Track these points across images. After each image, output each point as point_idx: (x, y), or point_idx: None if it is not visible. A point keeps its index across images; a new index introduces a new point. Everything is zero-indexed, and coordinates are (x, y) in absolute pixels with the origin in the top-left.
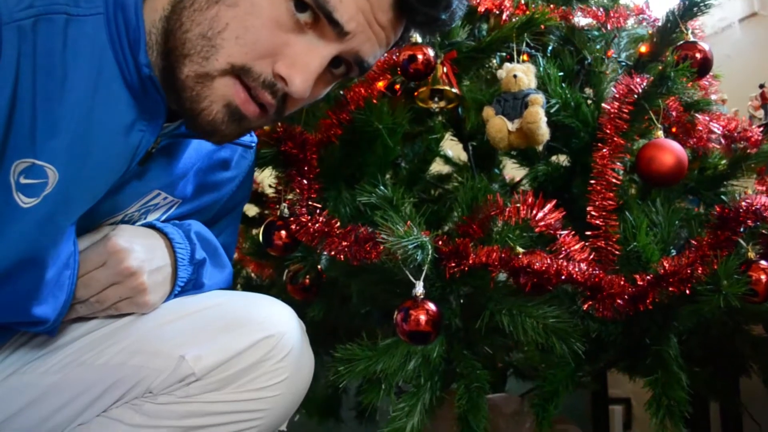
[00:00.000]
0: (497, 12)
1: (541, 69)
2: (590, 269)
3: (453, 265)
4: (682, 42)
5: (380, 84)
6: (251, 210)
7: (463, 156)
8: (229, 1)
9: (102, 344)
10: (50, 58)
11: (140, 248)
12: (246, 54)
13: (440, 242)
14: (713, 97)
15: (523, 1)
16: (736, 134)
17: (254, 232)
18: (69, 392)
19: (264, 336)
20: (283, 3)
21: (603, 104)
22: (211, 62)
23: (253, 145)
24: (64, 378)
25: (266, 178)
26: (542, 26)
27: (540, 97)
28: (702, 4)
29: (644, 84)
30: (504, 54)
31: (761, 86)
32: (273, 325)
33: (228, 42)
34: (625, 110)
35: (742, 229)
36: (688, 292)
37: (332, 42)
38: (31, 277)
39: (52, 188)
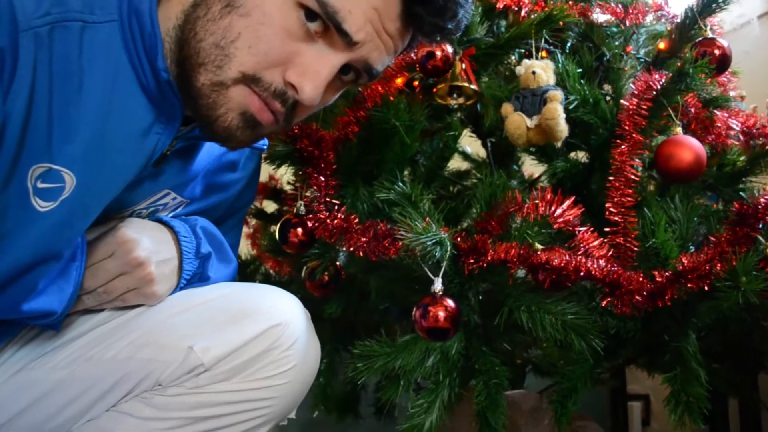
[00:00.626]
0: (516, 8)
1: (560, 65)
2: (609, 266)
3: (471, 261)
4: (700, 38)
5: (398, 81)
6: (270, 206)
7: (482, 152)
8: (241, 11)
9: (109, 338)
10: (66, 65)
11: (148, 240)
12: (258, 63)
13: (459, 239)
14: (732, 93)
15: None
16: (754, 131)
17: (272, 228)
18: (77, 387)
19: (271, 325)
20: (293, 12)
21: (622, 101)
22: (225, 71)
23: (264, 147)
24: (73, 373)
25: (284, 175)
26: (561, 23)
27: (559, 94)
28: (721, 1)
29: (663, 80)
30: (523, 50)
31: None
32: (279, 315)
33: (241, 51)
34: (644, 107)
35: (760, 226)
36: (706, 288)
37: (342, 51)
38: (42, 275)
39: (70, 192)
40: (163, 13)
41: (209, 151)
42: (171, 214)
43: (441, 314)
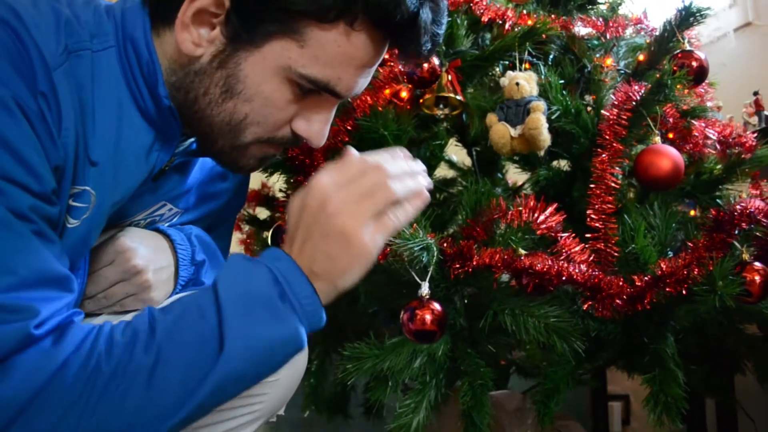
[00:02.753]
0: (500, 22)
1: (543, 77)
2: (590, 270)
3: (458, 266)
4: (678, 51)
5: (386, 92)
6: (263, 213)
7: (467, 161)
8: (243, 97)
9: None
10: (82, 92)
11: (145, 248)
12: (269, 131)
13: (445, 244)
14: (709, 104)
15: (525, 12)
16: (731, 140)
17: (265, 234)
18: None
19: None
20: (289, 87)
21: (602, 111)
22: (240, 139)
23: None
24: None
25: (277, 183)
26: (544, 35)
27: (541, 104)
28: (698, 14)
29: (642, 91)
30: (507, 62)
31: (755, 93)
32: None
33: (251, 125)
34: (624, 117)
35: (736, 232)
36: (684, 292)
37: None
38: None
39: (91, 211)
40: (161, 46)
41: (202, 165)
42: (167, 224)
43: (428, 317)
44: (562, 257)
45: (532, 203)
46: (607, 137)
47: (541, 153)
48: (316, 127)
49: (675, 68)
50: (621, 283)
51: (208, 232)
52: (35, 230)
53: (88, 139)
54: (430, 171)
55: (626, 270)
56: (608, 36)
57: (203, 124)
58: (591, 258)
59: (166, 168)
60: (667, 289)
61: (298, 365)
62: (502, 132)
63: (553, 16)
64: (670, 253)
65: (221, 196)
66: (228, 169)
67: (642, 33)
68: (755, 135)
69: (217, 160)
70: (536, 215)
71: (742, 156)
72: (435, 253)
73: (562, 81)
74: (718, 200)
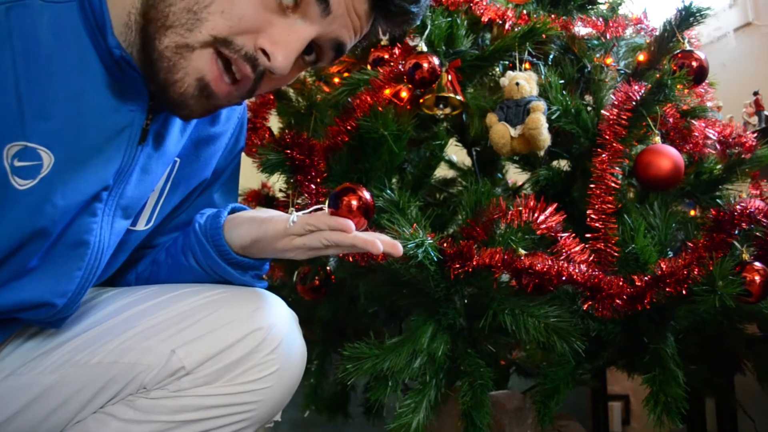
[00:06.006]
0: (500, 22)
1: (543, 77)
2: (590, 270)
3: (457, 266)
4: (678, 51)
5: (386, 92)
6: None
7: (467, 161)
8: None
9: (96, 343)
10: (28, 42)
11: None
12: (230, 28)
13: (445, 244)
14: (709, 104)
15: (525, 12)
16: (731, 140)
17: None
18: (65, 392)
19: (253, 329)
20: None
21: (602, 111)
22: (194, 34)
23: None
24: (60, 378)
25: (276, 183)
26: (544, 36)
27: (541, 104)
28: (698, 15)
29: (642, 91)
30: (507, 62)
31: (755, 93)
32: (262, 318)
33: (213, 15)
34: (624, 117)
35: (736, 232)
36: (684, 292)
37: (313, 23)
38: (30, 256)
39: (49, 170)
40: None
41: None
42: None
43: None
44: (562, 257)
45: (532, 203)
46: (607, 137)
47: (541, 153)
48: (282, 46)
49: (675, 68)
50: (621, 283)
51: (212, 187)
52: None
53: (45, 93)
54: (430, 171)
55: (626, 270)
56: (608, 36)
57: (159, 17)
58: (591, 258)
59: (147, 127)
60: (667, 289)
61: (293, 371)
62: (502, 132)
63: (553, 16)
64: (670, 253)
65: (216, 139)
66: (161, 91)
67: (642, 33)
68: (755, 135)
69: (153, 69)
70: (536, 215)
71: (742, 156)
72: (426, 246)
73: (562, 81)
74: (718, 200)
